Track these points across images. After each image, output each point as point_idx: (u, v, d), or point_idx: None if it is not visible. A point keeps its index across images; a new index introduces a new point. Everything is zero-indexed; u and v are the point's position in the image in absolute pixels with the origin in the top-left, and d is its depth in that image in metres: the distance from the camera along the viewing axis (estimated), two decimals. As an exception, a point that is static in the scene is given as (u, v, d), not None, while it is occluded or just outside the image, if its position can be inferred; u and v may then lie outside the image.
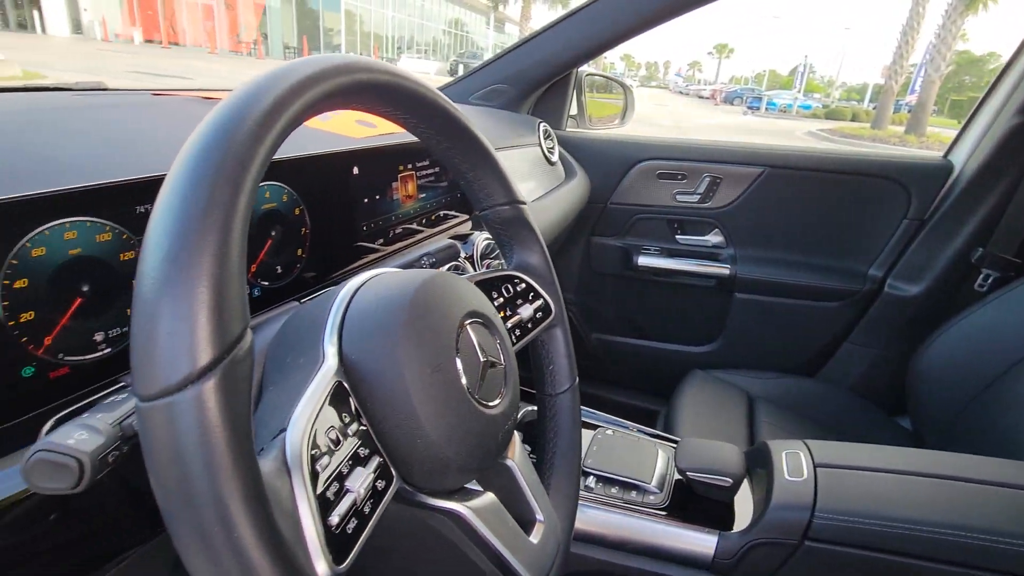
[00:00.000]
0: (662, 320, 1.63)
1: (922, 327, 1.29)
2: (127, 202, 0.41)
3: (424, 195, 0.81)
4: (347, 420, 0.33)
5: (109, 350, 0.41)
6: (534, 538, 0.44)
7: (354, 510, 0.30)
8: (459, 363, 0.38)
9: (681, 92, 58.02)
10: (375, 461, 0.33)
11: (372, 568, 0.38)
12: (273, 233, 0.54)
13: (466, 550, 0.41)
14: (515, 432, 0.47)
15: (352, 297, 0.38)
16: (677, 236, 1.56)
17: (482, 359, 0.41)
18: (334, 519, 0.29)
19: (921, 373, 1.22)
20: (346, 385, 0.34)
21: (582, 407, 0.94)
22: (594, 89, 1.88)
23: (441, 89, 1.29)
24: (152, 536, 0.41)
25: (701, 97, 46.47)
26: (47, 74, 8.94)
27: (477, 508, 0.40)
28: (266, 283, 0.54)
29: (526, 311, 0.53)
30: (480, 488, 0.42)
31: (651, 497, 0.80)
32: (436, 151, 0.48)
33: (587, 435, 0.89)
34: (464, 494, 0.40)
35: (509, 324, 0.51)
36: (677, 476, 0.84)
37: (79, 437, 0.29)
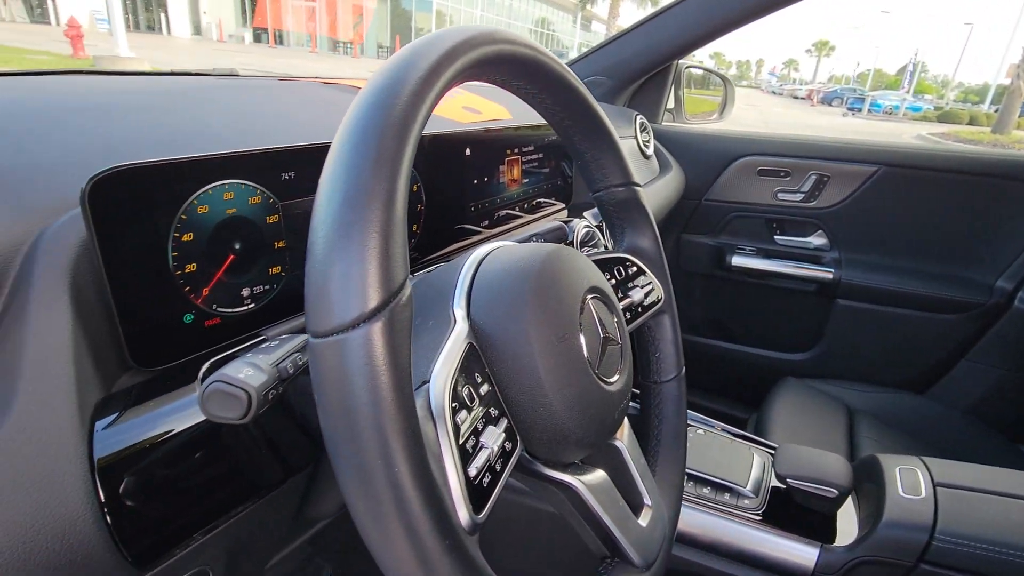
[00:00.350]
0: (754, 324, 1.56)
1: None
2: (275, 169, 0.45)
3: (527, 180, 0.82)
4: (479, 380, 0.33)
5: (253, 305, 0.44)
6: (642, 521, 0.44)
7: (488, 465, 0.31)
8: (582, 336, 0.38)
9: (774, 92, 55.25)
10: (504, 423, 0.34)
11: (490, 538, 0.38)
12: None
13: (576, 526, 0.41)
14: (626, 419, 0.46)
15: (478, 266, 0.39)
16: (776, 236, 1.48)
17: (602, 335, 0.40)
18: (472, 471, 0.30)
19: None
20: (477, 348, 0.35)
21: (697, 420, 0.92)
22: (691, 84, 1.82)
23: None
24: (281, 482, 0.44)
25: (796, 97, 44.04)
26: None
27: (590, 484, 0.40)
28: None
29: (637, 295, 0.53)
30: (592, 466, 0.42)
31: (746, 501, 0.77)
32: (559, 128, 0.49)
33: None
34: (577, 469, 0.40)
35: (620, 306, 0.50)
36: (774, 483, 0.80)
37: (247, 373, 0.31)
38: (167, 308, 0.39)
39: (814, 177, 1.40)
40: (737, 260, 1.49)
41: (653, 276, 0.56)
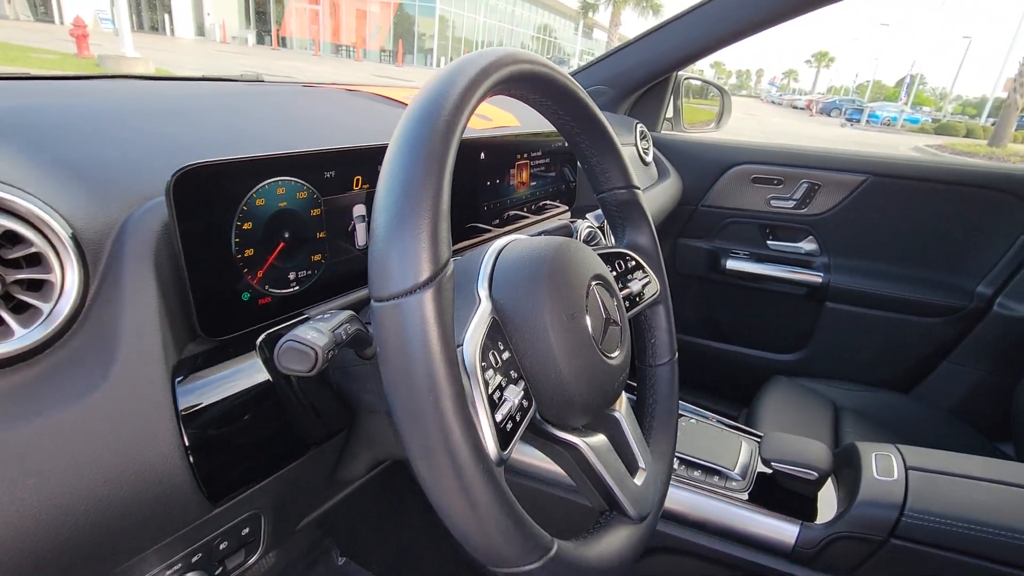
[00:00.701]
0: (746, 325, 1.62)
1: None
2: (318, 168, 0.51)
3: (534, 183, 0.88)
4: (501, 348, 0.40)
5: (297, 288, 0.50)
6: (637, 480, 0.50)
7: (510, 415, 0.37)
8: (588, 317, 0.44)
9: (774, 102, 55.56)
10: (522, 384, 0.40)
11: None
12: None
13: (579, 483, 0.47)
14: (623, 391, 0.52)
15: (498, 255, 0.45)
16: (768, 242, 1.55)
17: (605, 316, 0.47)
18: (498, 416, 0.36)
19: None
20: (499, 322, 0.41)
21: (690, 411, 0.98)
22: (690, 94, 1.89)
23: None
24: (323, 442, 0.50)
25: (795, 107, 44.31)
26: (175, 72, 9.87)
27: (592, 445, 0.46)
28: None
29: (635, 286, 0.59)
30: (594, 431, 0.48)
31: (733, 484, 0.83)
32: (568, 136, 0.55)
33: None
34: (582, 432, 0.46)
35: (620, 295, 0.57)
36: (760, 468, 0.86)
37: (313, 335, 0.37)
38: (229, 287, 0.45)
39: (805, 185, 1.47)
40: (731, 264, 1.56)
41: (650, 270, 0.62)
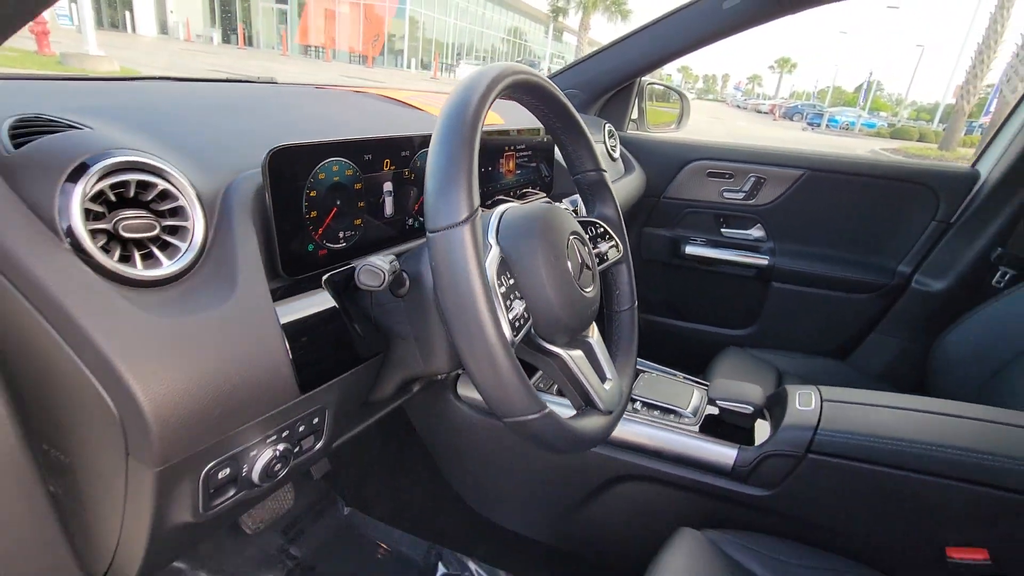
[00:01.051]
0: (704, 304, 1.81)
1: (943, 320, 1.43)
2: (360, 152, 0.66)
3: (519, 172, 1.04)
4: (508, 278, 0.55)
5: (344, 244, 0.65)
6: (607, 386, 0.66)
7: (517, 318, 0.53)
8: (568, 260, 0.61)
9: (739, 106, 56.97)
10: (523, 303, 0.56)
11: None
12: None
13: (561, 385, 0.63)
14: (595, 323, 0.69)
15: (502, 215, 0.61)
16: (722, 229, 1.74)
17: (580, 261, 0.63)
18: (510, 315, 0.51)
19: (940, 359, 1.37)
20: (506, 261, 0.57)
21: (652, 368, 1.14)
22: (654, 98, 2.08)
23: None
24: (368, 358, 0.64)
25: (759, 112, 45.52)
26: (140, 70, 9.74)
27: (573, 356, 0.62)
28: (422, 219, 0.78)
29: (603, 247, 0.75)
30: (574, 348, 0.64)
31: (686, 420, 1.01)
32: (551, 129, 0.71)
33: (639, 379, 1.10)
34: (565, 347, 0.63)
35: (597, 254, 0.73)
36: (709, 409, 1.04)
37: (380, 262, 0.52)
38: (301, 239, 0.59)
39: (753, 179, 1.66)
40: (690, 249, 1.75)
41: (616, 236, 0.79)
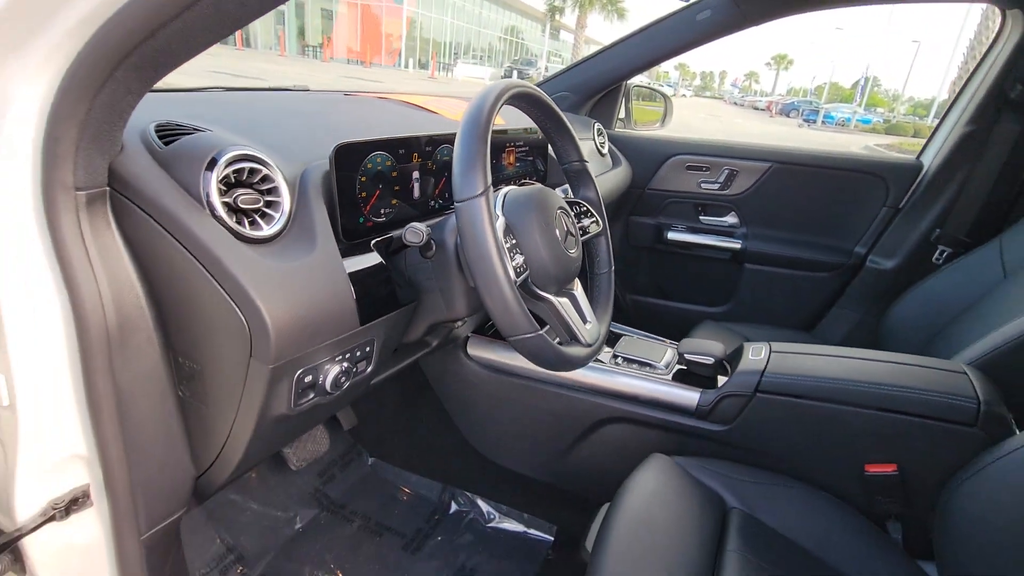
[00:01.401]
0: (685, 284, 2.01)
1: (893, 294, 1.63)
2: (396, 147, 0.85)
3: (518, 165, 1.24)
4: (511, 238, 0.75)
5: (384, 219, 0.85)
6: (588, 327, 0.86)
7: (518, 267, 0.73)
8: (556, 228, 0.80)
9: (736, 103, 57.19)
10: (522, 257, 0.76)
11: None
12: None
13: (551, 325, 0.83)
14: (577, 279, 0.89)
15: (507, 194, 0.81)
16: (700, 217, 1.94)
17: (566, 229, 0.83)
18: (514, 264, 0.71)
19: (888, 329, 1.57)
20: (509, 227, 0.76)
21: (632, 332, 1.33)
22: (641, 99, 2.28)
23: None
24: (405, 305, 0.84)
25: (756, 108, 45.74)
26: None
27: (561, 302, 0.82)
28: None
29: (585, 222, 0.95)
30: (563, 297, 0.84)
31: (660, 371, 1.20)
32: (543, 129, 0.91)
33: (620, 340, 1.30)
34: (555, 295, 0.82)
35: (580, 227, 0.93)
36: (678, 365, 1.23)
37: (420, 226, 0.72)
38: (355, 213, 0.79)
39: (727, 171, 1.86)
40: (672, 235, 1.94)
41: (596, 214, 0.98)
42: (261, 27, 28.15)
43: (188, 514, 1.09)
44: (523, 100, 0.83)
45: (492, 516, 1.37)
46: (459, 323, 1.02)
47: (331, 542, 1.27)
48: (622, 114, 2.06)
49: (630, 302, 2.07)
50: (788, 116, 36.09)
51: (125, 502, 0.69)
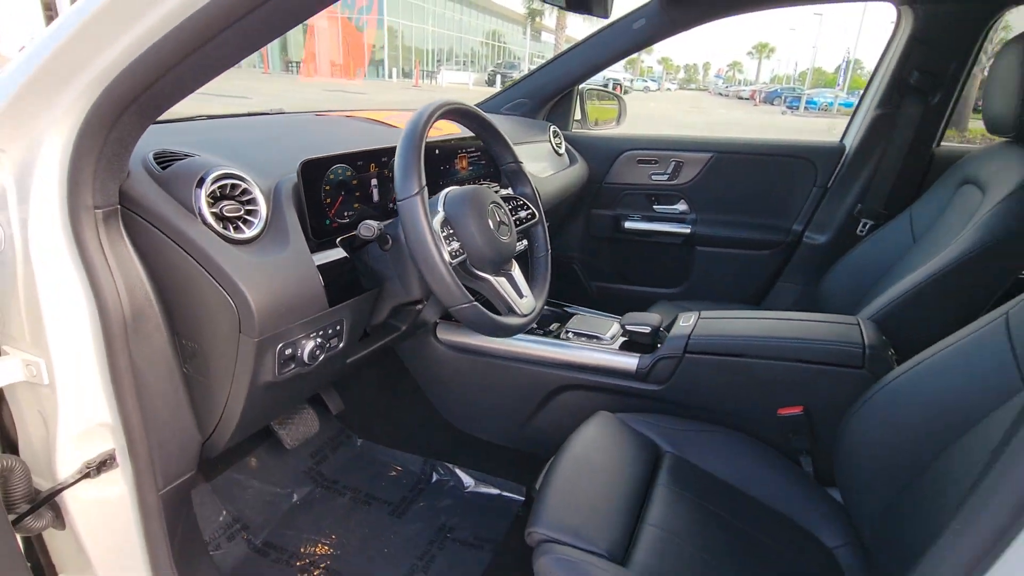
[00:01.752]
0: (644, 269, 2.18)
1: (826, 266, 1.80)
2: (354, 160, 1.02)
3: (471, 168, 1.41)
4: (448, 229, 0.92)
5: (348, 220, 1.01)
6: (524, 301, 1.02)
7: (455, 251, 0.89)
8: (489, 219, 0.97)
9: (721, 94, 57.50)
10: (458, 243, 0.92)
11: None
12: None
13: (491, 301, 1.00)
14: (515, 261, 1.05)
15: (447, 193, 0.98)
16: (654, 206, 2.11)
17: (498, 219, 0.99)
18: (450, 248, 0.88)
19: (824, 297, 1.74)
20: (448, 220, 0.93)
21: (585, 311, 1.50)
22: (600, 99, 2.45)
23: (483, 103, 1.93)
24: (368, 290, 1.00)
25: (741, 98, 45.99)
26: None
27: (498, 281, 0.99)
28: None
29: (523, 214, 1.12)
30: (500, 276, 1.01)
31: (605, 342, 1.37)
32: (479, 136, 1.08)
33: (572, 318, 1.46)
34: (494, 275, 0.99)
35: (516, 219, 1.09)
36: (622, 337, 1.40)
37: (372, 223, 0.89)
38: (321, 216, 0.96)
39: (674, 163, 2.03)
40: (628, 224, 2.11)
41: (532, 207, 1.15)
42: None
43: (197, 489, 1.26)
44: (455, 114, 1.00)
45: (470, 483, 1.54)
46: (419, 306, 1.18)
47: (325, 512, 1.43)
48: (578, 116, 2.23)
49: (595, 288, 2.24)
50: (772, 104, 36.35)
51: (145, 463, 0.85)
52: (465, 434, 1.54)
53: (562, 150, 2.00)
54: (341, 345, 0.99)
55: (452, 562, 1.32)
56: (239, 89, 14.37)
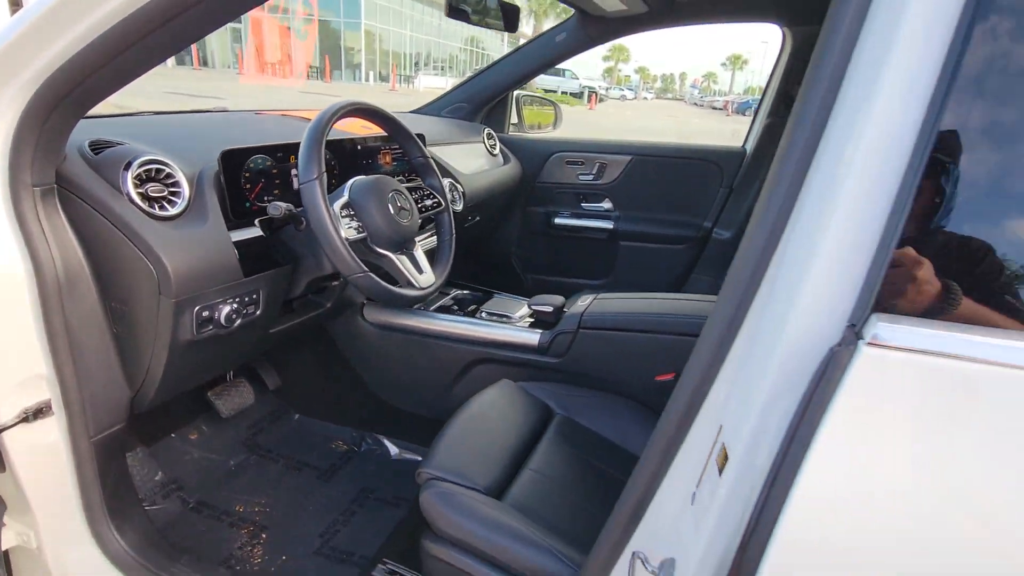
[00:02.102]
0: (573, 262, 2.35)
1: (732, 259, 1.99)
2: (275, 151, 1.16)
3: (394, 163, 1.56)
4: (350, 211, 1.07)
5: (268, 204, 1.15)
6: (424, 277, 1.18)
7: (356, 228, 1.04)
8: (389, 204, 1.12)
9: (696, 104, 58.61)
10: (357, 222, 1.07)
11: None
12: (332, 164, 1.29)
13: (393, 275, 1.15)
14: (418, 241, 1.21)
15: (354, 181, 1.13)
16: (582, 204, 2.28)
17: (399, 204, 1.15)
18: (355, 226, 1.03)
19: None
20: (350, 204, 1.08)
21: (503, 295, 1.66)
22: (542, 106, 2.62)
23: (426, 106, 2.09)
24: (283, 264, 1.15)
25: (715, 108, 46.93)
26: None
27: (400, 259, 1.14)
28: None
29: (429, 202, 1.27)
30: (401, 255, 1.16)
31: (514, 321, 1.53)
32: (390, 133, 1.23)
33: (488, 301, 1.62)
34: (395, 253, 1.14)
35: (421, 206, 1.25)
36: (529, 317, 1.56)
37: (282, 204, 1.03)
38: (242, 200, 1.10)
39: (598, 164, 2.21)
40: (559, 221, 2.28)
41: (438, 196, 1.31)
42: (219, 46, 28.06)
43: (136, 452, 1.39)
44: (362, 113, 1.15)
45: (395, 451, 1.68)
46: (335, 282, 1.33)
47: (257, 477, 1.56)
48: (515, 120, 2.40)
49: (530, 280, 2.40)
50: (743, 114, 37.22)
51: (78, 412, 0.98)
52: (392, 406, 1.69)
53: (496, 151, 2.16)
54: (258, 313, 1.13)
55: (371, 518, 1.46)
56: (209, 89, 14.32)
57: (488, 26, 1.49)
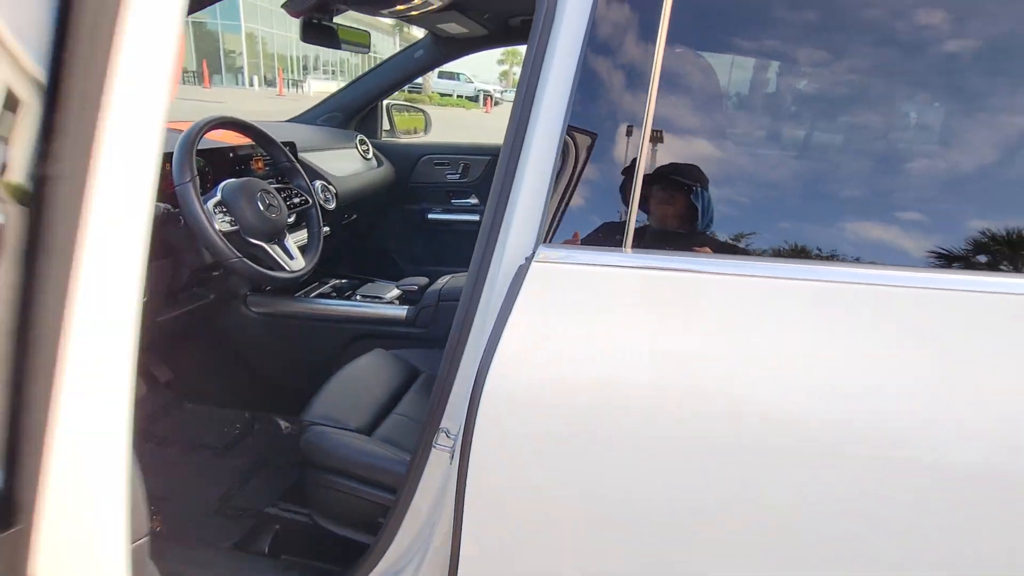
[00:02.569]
0: (445, 253, 2.63)
1: None
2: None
3: (267, 168, 1.75)
4: (223, 208, 1.27)
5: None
6: (293, 262, 1.40)
7: (228, 222, 1.25)
8: (259, 202, 1.34)
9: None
10: (232, 217, 1.28)
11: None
12: (207, 170, 1.47)
13: (264, 261, 1.36)
14: (289, 233, 1.42)
15: (225, 183, 1.33)
16: (451, 201, 2.56)
17: (267, 202, 1.36)
18: (228, 220, 1.24)
19: None
20: (223, 201, 1.28)
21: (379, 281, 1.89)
22: (412, 113, 2.87)
23: (302, 114, 2.28)
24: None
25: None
26: None
27: (272, 248, 1.35)
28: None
29: (297, 200, 1.49)
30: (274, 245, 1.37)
31: (385, 300, 1.78)
32: (255, 142, 1.44)
33: (363, 286, 1.85)
34: (267, 243, 1.35)
35: (290, 204, 1.46)
36: (398, 297, 1.81)
37: (160, 205, 1.22)
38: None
39: (463, 164, 2.50)
40: (431, 216, 2.55)
41: (306, 194, 1.53)
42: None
43: None
44: (228, 126, 1.35)
45: (287, 428, 1.87)
46: (216, 272, 1.51)
47: (155, 460, 1.69)
48: (388, 126, 2.64)
49: (410, 271, 2.65)
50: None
51: None
52: (281, 387, 1.87)
53: (369, 155, 2.39)
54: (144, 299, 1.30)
55: (266, 481, 1.65)
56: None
57: (344, 49, 1.73)
